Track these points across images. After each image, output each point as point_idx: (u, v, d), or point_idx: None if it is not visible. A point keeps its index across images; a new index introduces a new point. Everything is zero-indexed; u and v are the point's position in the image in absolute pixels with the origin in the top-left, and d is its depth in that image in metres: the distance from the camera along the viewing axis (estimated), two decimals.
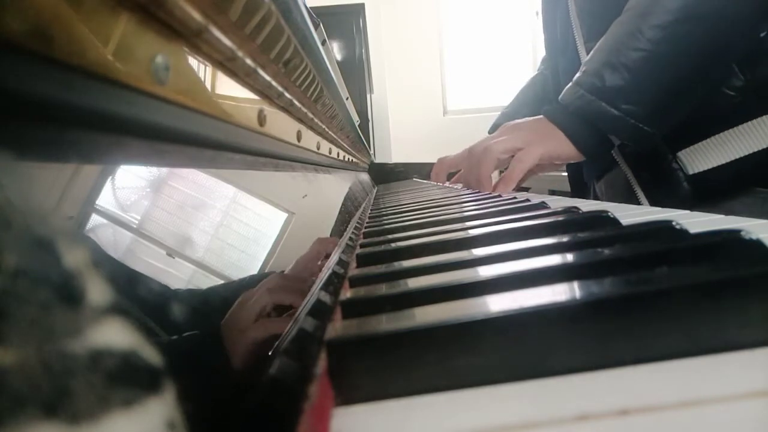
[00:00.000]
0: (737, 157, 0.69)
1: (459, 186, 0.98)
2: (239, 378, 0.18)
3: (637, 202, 0.78)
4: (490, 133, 1.13)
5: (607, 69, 0.68)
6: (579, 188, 1.00)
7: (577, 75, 0.72)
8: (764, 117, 0.68)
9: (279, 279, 0.27)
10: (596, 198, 0.93)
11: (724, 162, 0.70)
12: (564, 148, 0.74)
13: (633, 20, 0.67)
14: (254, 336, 0.21)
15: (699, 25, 0.64)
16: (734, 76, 0.69)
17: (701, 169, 0.71)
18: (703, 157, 0.71)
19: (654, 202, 0.76)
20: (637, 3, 0.68)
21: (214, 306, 0.21)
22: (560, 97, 0.75)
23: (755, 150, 0.68)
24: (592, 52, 0.73)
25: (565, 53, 0.89)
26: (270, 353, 0.20)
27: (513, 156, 0.77)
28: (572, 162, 0.80)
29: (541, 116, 0.77)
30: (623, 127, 0.68)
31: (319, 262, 0.33)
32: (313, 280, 0.29)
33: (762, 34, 0.68)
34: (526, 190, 1.23)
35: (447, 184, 1.12)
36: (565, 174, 1.04)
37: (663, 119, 0.69)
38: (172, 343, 0.16)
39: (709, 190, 0.71)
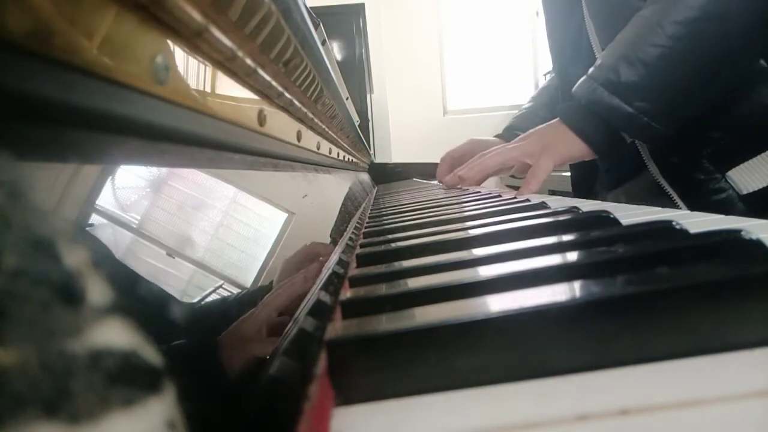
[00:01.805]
0: None
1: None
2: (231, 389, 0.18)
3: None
4: (504, 131, 1.13)
5: (623, 63, 0.66)
6: (583, 193, 0.99)
7: (592, 69, 0.71)
8: None
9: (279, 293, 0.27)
10: None
11: None
12: (576, 148, 0.73)
13: (654, 15, 0.65)
14: (253, 351, 0.21)
15: (721, 24, 0.62)
16: None
17: (755, 188, 0.69)
18: (756, 175, 0.69)
19: None
20: None
21: (214, 316, 0.21)
22: (574, 89, 0.73)
23: None
24: (608, 46, 0.71)
25: (577, 61, 0.88)
26: (270, 354, 0.20)
27: (523, 163, 0.77)
28: (583, 161, 0.79)
29: (555, 120, 0.76)
30: (635, 125, 0.67)
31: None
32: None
33: None
34: None
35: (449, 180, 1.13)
36: (566, 174, 1.03)
37: (675, 119, 0.67)
38: (168, 349, 0.16)
39: (766, 209, 0.69)
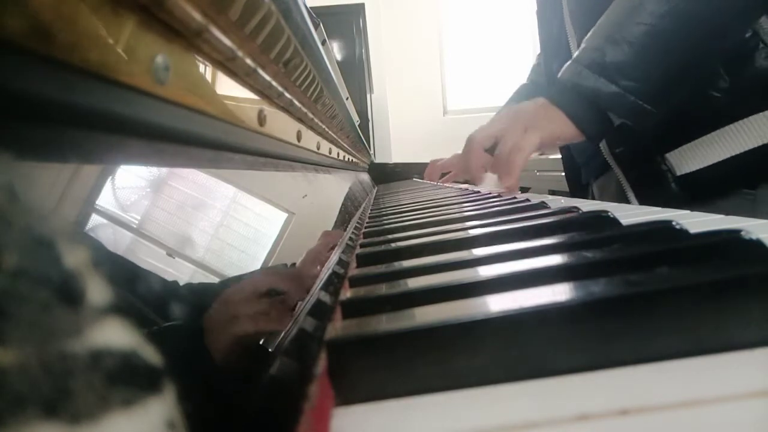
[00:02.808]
0: (724, 158, 0.69)
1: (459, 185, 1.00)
2: (221, 373, 0.18)
3: (628, 203, 0.78)
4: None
5: (608, 44, 0.66)
6: (577, 190, 0.99)
7: (577, 52, 0.70)
8: (750, 118, 0.68)
9: (275, 270, 0.27)
10: (594, 199, 0.93)
11: (711, 163, 0.70)
12: (564, 128, 0.71)
13: None
14: (238, 330, 0.20)
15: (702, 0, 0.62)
16: (719, 77, 0.69)
17: (689, 171, 0.71)
18: (691, 158, 0.71)
19: (643, 203, 0.75)
20: None
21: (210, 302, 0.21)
22: (559, 74, 0.72)
23: (742, 151, 0.68)
24: (592, 30, 0.70)
25: (558, 55, 0.88)
26: (270, 352, 0.20)
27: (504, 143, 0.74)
28: (572, 146, 0.79)
29: (539, 99, 0.74)
30: (622, 104, 0.66)
31: (328, 252, 0.33)
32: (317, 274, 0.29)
33: (747, 35, 0.67)
34: (526, 190, 1.25)
35: (439, 182, 1.18)
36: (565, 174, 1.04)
37: (663, 97, 0.67)
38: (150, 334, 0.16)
39: (697, 192, 0.71)
